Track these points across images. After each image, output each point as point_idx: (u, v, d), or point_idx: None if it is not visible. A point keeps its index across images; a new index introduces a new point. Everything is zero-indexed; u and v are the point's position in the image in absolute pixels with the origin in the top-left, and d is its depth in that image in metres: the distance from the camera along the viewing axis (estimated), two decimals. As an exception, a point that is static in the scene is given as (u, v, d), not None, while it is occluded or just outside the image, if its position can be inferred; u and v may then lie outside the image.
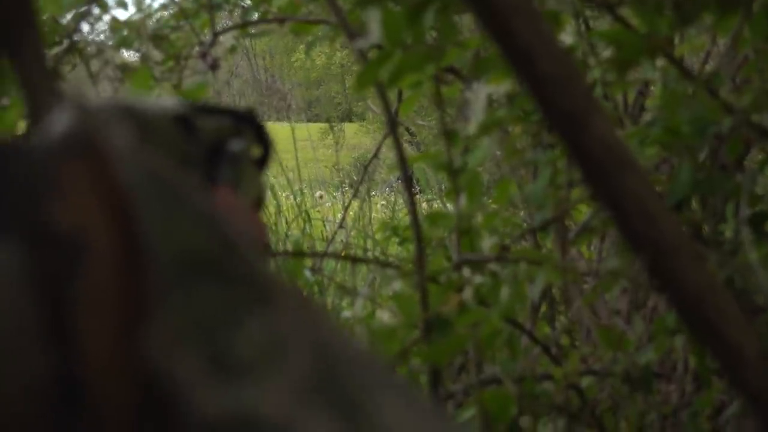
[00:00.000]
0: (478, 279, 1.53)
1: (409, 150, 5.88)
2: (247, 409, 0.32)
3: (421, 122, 5.30)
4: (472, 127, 1.50)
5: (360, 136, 14.11)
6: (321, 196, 6.33)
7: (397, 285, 1.58)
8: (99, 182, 0.36)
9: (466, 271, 1.54)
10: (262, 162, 0.73)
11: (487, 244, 1.58)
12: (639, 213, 0.94)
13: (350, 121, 16.18)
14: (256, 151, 0.72)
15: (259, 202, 0.72)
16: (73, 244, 0.34)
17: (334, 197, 7.00)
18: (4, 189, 0.35)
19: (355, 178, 7.98)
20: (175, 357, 0.33)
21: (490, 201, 2.14)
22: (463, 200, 1.55)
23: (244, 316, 0.35)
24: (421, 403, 0.36)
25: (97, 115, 0.40)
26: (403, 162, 1.62)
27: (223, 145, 0.67)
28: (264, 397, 0.33)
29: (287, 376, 0.34)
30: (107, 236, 0.35)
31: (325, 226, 4.75)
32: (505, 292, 1.49)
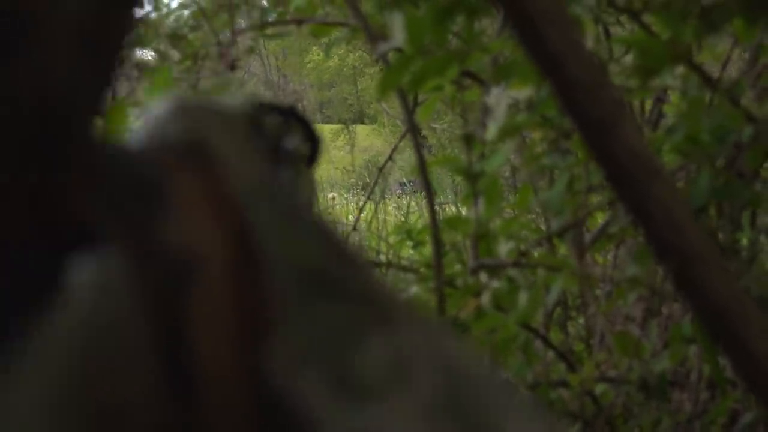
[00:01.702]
0: (495, 284, 1.52)
1: (421, 153, 5.86)
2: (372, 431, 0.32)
3: (434, 125, 5.30)
4: (491, 132, 1.50)
5: (372, 138, 14.10)
6: (333, 198, 6.33)
7: (414, 289, 1.58)
8: (213, 192, 0.35)
9: (483, 276, 1.54)
10: (312, 160, 0.71)
11: (504, 249, 1.58)
12: (665, 220, 0.94)
13: (362, 122, 16.17)
14: (305, 149, 0.70)
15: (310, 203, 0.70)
16: (188, 256, 0.33)
17: (346, 199, 7.00)
18: (114, 196, 0.34)
19: (367, 179, 7.98)
20: (299, 376, 0.32)
21: (505, 205, 2.14)
22: (481, 205, 1.55)
23: (367, 335, 0.34)
24: (549, 425, 0.35)
25: (201, 116, 0.39)
26: (423, 165, 1.61)
27: (280, 143, 0.65)
28: (389, 420, 0.32)
29: (413, 398, 0.33)
30: (223, 249, 0.34)
31: (336, 228, 4.73)
32: (522, 298, 1.49)
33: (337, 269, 0.36)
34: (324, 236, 0.37)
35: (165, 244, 0.34)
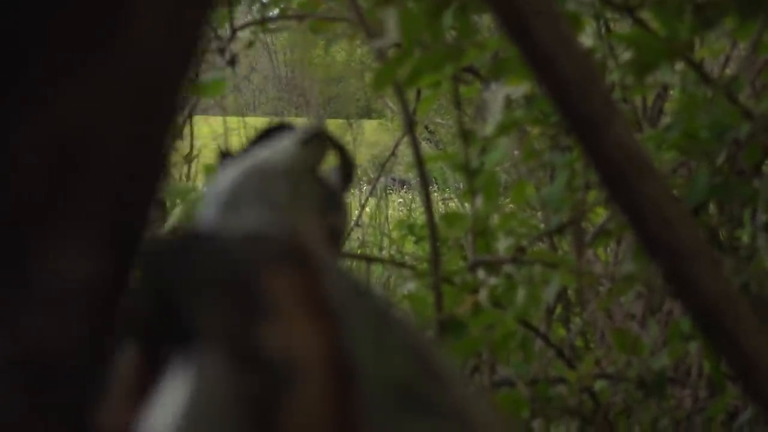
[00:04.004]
0: (493, 280, 1.52)
1: (427, 148, 5.87)
2: None
3: (439, 121, 5.29)
4: (489, 128, 1.50)
5: (380, 133, 14.05)
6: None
7: (412, 285, 1.58)
8: (309, 299, 0.34)
9: (481, 273, 1.54)
10: (346, 183, 0.66)
11: (503, 245, 1.57)
12: (657, 219, 0.94)
13: (370, 117, 16.12)
14: (341, 175, 0.65)
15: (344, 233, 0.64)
16: (284, 366, 0.33)
17: (353, 194, 7.00)
18: (207, 294, 0.33)
19: (372, 175, 7.97)
20: None
21: (508, 201, 2.14)
22: (479, 201, 1.55)
23: None
24: None
25: (282, 193, 0.38)
26: (420, 162, 1.61)
27: (324, 179, 0.60)
28: None
29: None
30: (319, 360, 0.33)
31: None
32: (520, 294, 1.49)
33: (425, 382, 0.35)
34: (413, 346, 0.36)
35: (264, 350, 0.33)
